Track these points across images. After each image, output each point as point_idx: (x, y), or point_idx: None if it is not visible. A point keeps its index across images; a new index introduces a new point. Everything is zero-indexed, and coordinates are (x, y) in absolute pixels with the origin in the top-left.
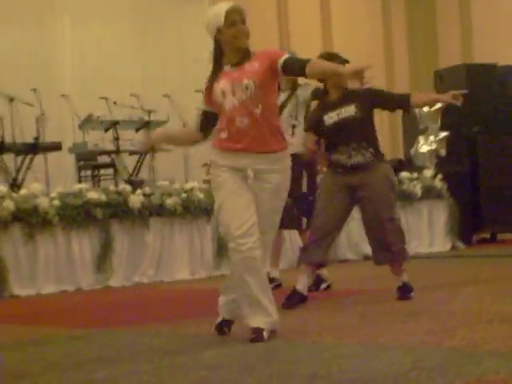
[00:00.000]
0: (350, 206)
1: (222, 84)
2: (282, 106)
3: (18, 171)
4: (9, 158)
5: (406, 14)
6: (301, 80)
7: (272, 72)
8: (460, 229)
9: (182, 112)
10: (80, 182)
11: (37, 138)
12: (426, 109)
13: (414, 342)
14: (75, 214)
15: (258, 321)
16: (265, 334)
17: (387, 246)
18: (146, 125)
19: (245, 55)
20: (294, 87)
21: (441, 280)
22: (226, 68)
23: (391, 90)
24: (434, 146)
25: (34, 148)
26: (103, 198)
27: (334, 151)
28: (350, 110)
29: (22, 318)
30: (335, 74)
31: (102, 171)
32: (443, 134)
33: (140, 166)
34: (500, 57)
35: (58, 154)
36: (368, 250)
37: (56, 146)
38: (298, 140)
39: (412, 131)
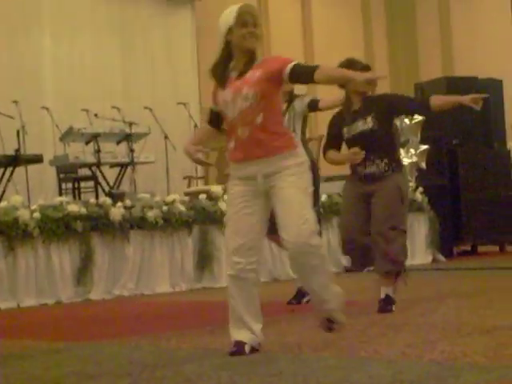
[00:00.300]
0: (368, 211)
1: (224, 93)
2: None
3: None
4: None
5: (386, 27)
6: (297, 91)
7: (275, 80)
8: (440, 241)
9: (164, 124)
10: (61, 194)
11: (18, 150)
12: (407, 121)
13: (394, 354)
14: (55, 227)
15: (240, 335)
16: (246, 348)
17: (389, 255)
18: (127, 137)
19: (251, 59)
20: (291, 99)
21: (421, 293)
22: (233, 74)
23: None
24: (414, 159)
25: (15, 160)
26: (83, 210)
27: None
28: (367, 123)
29: (2, 331)
30: (345, 81)
31: (83, 184)
32: (423, 146)
33: (121, 179)
34: (480, 70)
35: (38, 167)
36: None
37: (37, 159)
38: None
39: None
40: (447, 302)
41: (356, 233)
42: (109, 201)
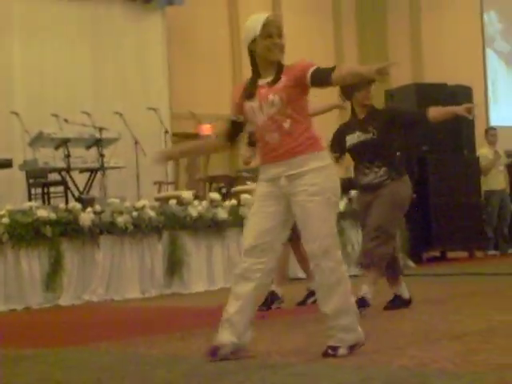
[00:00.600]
0: None
1: (251, 102)
2: None
3: None
4: None
5: (357, 35)
6: None
7: (301, 85)
8: (410, 247)
9: (134, 130)
10: (30, 199)
11: None
12: None
13: (363, 360)
14: (25, 232)
15: (222, 336)
16: (221, 351)
17: (366, 250)
18: (97, 142)
19: (278, 70)
20: None
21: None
22: (261, 82)
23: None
24: None
25: None
26: (53, 215)
27: (357, 170)
28: (368, 132)
29: None
30: (360, 77)
31: (53, 189)
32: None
33: (91, 184)
34: (450, 77)
35: (8, 172)
36: None
37: (6, 163)
38: None
39: None
40: (416, 307)
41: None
42: (78, 206)
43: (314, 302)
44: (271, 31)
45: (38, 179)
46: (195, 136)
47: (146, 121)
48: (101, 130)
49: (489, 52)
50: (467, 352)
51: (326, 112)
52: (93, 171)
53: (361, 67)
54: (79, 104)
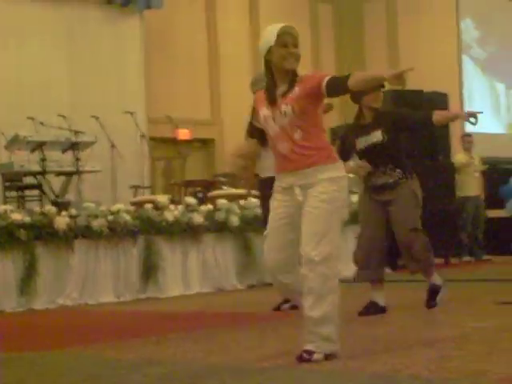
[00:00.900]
0: (385, 221)
1: (266, 110)
2: None
3: None
4: None
5: (334, 41)
6: None
7: (314, 96)
8: (386, 253)
9: (110, 133)
10: (5, 202)
11: None
12: None
13: (336, 366)
14: None
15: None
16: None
17: (414, 255)
18: (73, 146)
19: (292, 79)
20: None
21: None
22: (279, 91)
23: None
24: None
25: None
26: (27, 219)
27: (368, 172)
28: (377, 135)
29: None
30: (377, 82)
31: (28, 192)
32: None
33: (66, 188)
34: (426, 83)
35: None
36: None
37: None
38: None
39: None
40: (391, 314)
41: (378, 242)
42: (53, 209)
43: (292, 308)
44: (286, 40)
45: (14, 182)
46: (172, 140)
47: (123, 124)
48: (77, 133)
49: (465, 59)
50: (440, 358)
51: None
52: (68, 175)
53: (376, 73)
54: (55, 107)
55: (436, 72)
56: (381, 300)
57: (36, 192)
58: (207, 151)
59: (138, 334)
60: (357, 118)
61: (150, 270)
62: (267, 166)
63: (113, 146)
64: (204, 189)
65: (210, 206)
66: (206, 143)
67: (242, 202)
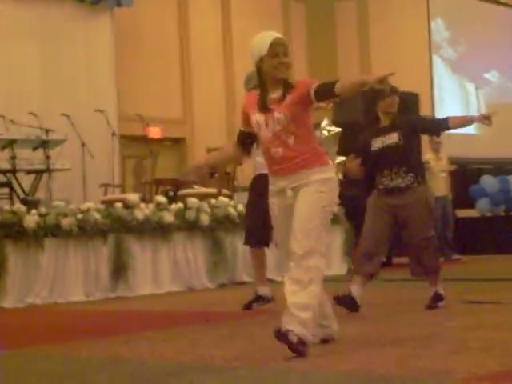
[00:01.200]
0: (393, 224)
1: (258, 116)
2: None
3: None
4: None
5: (307, 41)
6: None
7: (304, 102)
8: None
9: (81, 131)
10: None
11: None
12: (325, 133)
13: (306, 365)
14: None
15: None
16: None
17: (422, 262)
18: (43, 144)
19: (285, 87)
20: None
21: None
22: (270, 98)
23: None
24: None
25: None
26: None
27: (380, 174)
28: (394, 138)
29: None
30: (362, 86)
31: None
32: (340, 158)
33: (37, 186)
34: (397, 83)
35: None
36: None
37: None
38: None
39: None
40: (360, 312)
41: (379, 244)
42: (23, 208)
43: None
44: (278, 50)
45: None
46: (143, 138)
47: (94, 122)
48: (47, 131)
49: (435, 59)
50: (409, 357)
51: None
52: (39, 173)
53: (362, 77)
54: (26, 105)
55: (407, 72)
56: (359, 296)
57: (6, 190)
58: (178, 150)
59: (106, 333)
60: (375, 122)
61: (120, 268)
62: (263, 162)
63: (83, 144)
64: (175, 187)
65: (180, 205)
66: (177, 142)
67: (212, 200)
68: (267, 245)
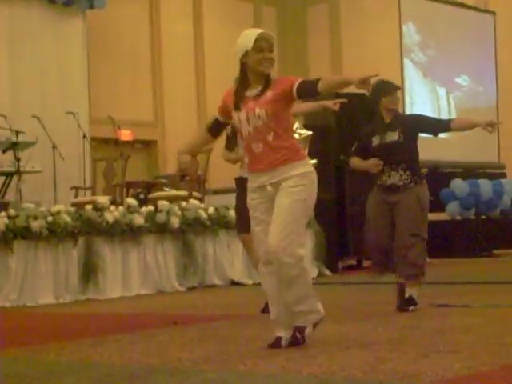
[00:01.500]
0: (393, 220)
1: (239, 112)
2: None
3: None
4: None
5: (278, 43)
6: None
7: (286, 99)
8: (326, 255)
9: (52, 133)
10: None
11: None
12: (296, 136)
13: (274, 368)
14: None
15: None
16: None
17: (410, 259)
18: (13, 146)
19: (267, 82)
20: None
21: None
22: (249, 93)
23: None
24: None
25: None
26: None
27: (380, 171)
28: (394, 135)
29: None
30: (345, 85)
31: None
32: (311, 161)
33: (6, 188)
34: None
35: None
36: (234, 275)
37: None
38: None
39: None
40: (329, 315)
41: (383, 240)
42: None
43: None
44: (263, 46)
45: None
46: (113, 141)
47: (65, 125)
48: (17, 133)
49: (407, 62)
50: (375, 360)
51: (315, 111)
52: (8, 175)
53: (344, 77)
54: None
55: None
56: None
57: None
58: (149, 152)
59: (75, 336)
60: (377, 118)
61: (90, 271)
62: None
63: (54, 146)
64: (145, 190)
65: (150, 208)
66: (147, 145)
67: (183, 203)
68: None
